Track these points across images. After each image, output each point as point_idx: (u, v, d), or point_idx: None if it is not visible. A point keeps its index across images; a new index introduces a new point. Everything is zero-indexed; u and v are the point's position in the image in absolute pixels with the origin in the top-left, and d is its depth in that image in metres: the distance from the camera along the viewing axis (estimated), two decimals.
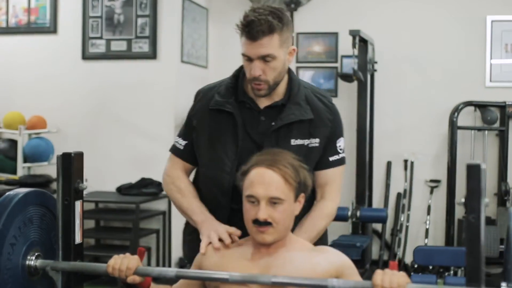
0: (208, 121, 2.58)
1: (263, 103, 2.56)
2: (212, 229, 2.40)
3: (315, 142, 2.55)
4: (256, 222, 2.19)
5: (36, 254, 2.31)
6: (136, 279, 2.22)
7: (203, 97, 2.64)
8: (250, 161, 2.28)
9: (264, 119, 2.54)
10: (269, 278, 2.12)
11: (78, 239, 2.36)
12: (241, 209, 2.29)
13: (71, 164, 2.33)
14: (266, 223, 2.18)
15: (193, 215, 2.54)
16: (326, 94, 2.68)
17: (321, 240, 2.66)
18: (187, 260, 2.72)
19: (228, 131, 2.54)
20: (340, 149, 2.63)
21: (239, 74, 2.62)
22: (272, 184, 2.19)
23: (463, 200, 2.08)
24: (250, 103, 2.56)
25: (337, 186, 2.64)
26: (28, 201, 2.30)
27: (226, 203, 2.53)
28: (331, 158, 2.61)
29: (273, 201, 2.19)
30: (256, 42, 2.40)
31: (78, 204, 2.36)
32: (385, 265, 6.58)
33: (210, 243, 2.36)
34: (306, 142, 2.54)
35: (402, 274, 2.04)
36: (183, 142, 2.66)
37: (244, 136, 2.53)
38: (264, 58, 2.42)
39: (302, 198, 2.29)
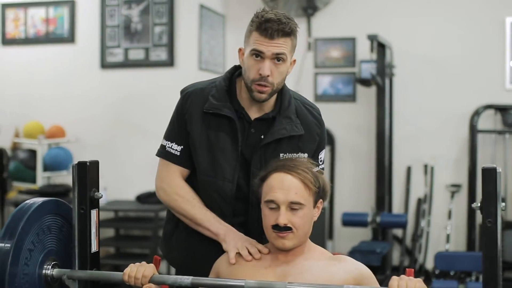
0: (204, 125, 2.47)
1: (253, 114, 2.48)
2: (240, 241, 2.35)
3: (302, 156, 2.47)
4: (276, 227, 2.18)
5: (53, 263, 2.31)
6: (152, 287, 2.21)
7: (195, 98, 2.50)
8: (268, 167, 2.27)
9: (254, 132, 2.47)
10: (284, 285, 2.10)
11: (94, 247, 2.36)
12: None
13: (87, 173, 2.32)
14: (286, 228, 2.17)
15: (211, 227, 2.43)
16: (315, 106, 2.62)
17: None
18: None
19: (228, 137, 2.45)
20: (321, 161, 2.57)
21: (232, 77, 2.54)
22: (292, 189, 2.18)
23: (477, 204, 2.04)
24: (242, 113, 2.48)
25: None
26: (46, 210, 2.30)
27: (229, 210, 2.47)
28: None
29: (293, 207, 2.17)
30: (273, 41, 2.34)
31: (94, 212, 2.35)
32: (406, 271, 6.54)
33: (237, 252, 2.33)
34: (294, 156, 2.46)
35: (418, 280, 2.02)
36: (178, 147, 2.51)
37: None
38: (276, 58, 2.36)
39: (320, 204, 2.28)
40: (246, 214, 2.46)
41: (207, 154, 2.46)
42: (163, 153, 2.55)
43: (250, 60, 2.39)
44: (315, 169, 2.33)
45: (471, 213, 6.64)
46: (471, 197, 6.63)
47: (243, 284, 2.14)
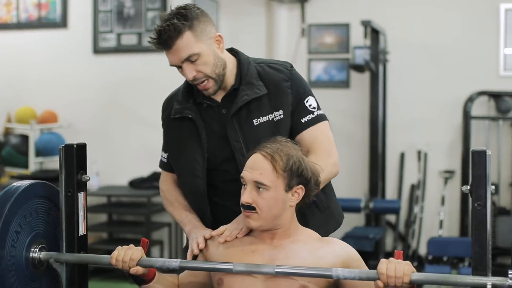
0: (173, 131, 2.56)
1: (219, 95, 2.50)
2: (194, 234, 2.42)
3: (279, 114, 2.47)
4: (243, 206, 2.19)
5: (40, 246, 2.30)
6: (140, 270, 2.20)
7: (167, 107, 2.61)
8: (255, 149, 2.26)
9: (225, 111, 2.49)
10: (273, 268, 2.10)
11: (82, 230, 2.35)
12: (225, 205, 2.43)
13: (74, 156, 2.31)
14: (250, 207, 2.17)
15: (184, 226, 2.53)
16: (283, 62, 2.59)
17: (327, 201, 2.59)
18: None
19: (193, 136, 2.49)
20: (313, 108, 2.52)
21: None
22: (259, 169, 2.16)
23: (467, 187, 2.03)
24: (207, 102, 2.51)
25: (325, 143, 2.53)
26: (34, 192, 2.29)
27: (203, 205, 2.51)
28: (303, 120, 2.50)
29: (258, 186, 2.17)
30: (172, 49, 2.36)
31: (81, 195, 2.34)
32: (395, 253, 6.54)
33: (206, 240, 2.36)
34: (270, 117, 2.46)
35: (407, 262, 2.01)
36: (165, 155, 2.64)
37: (210, 136, 2.49)
38: (189, 59, 2.37)
39: (300, 190, 2.22)
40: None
41: (178, 156, 2.55)
42: (159, 162, 2.70)
43: (179, 72, 2.44)
44: (306, 118, 2.46)
45: (464, 199, 6.65)
46: (465, 183, 6.56)
47: (231, 267, 2.13)
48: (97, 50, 6.55)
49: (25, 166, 6.41)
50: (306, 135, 2.50)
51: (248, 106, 2.46)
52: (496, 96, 6.66)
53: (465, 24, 6.81)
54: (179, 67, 2.41)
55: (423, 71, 6.90)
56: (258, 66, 2.54)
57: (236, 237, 2.29)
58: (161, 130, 2.66)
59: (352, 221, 6.54)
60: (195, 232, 2.43)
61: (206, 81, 2.41)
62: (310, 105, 2.52)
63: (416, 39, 6.91)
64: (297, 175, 2.19)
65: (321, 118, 2.54)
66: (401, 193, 6.94)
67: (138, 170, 6.33)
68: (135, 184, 6.26)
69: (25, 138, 6.48)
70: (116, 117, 6.55)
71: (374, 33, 6.41)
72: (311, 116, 2.51)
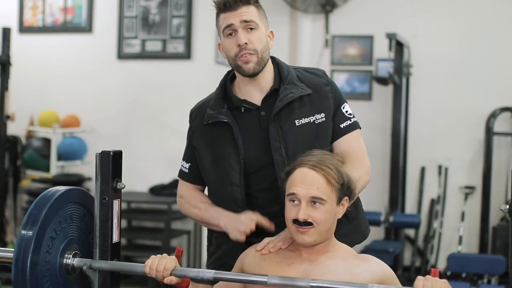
0: (206, 138, 2.52)
1: (257, 98, 2.48)
2: (237, 223, 2.42)
3: (320, 117, 2.46)
4: (296, 221, 2.16)
5: (73, 252, 2.30)
6: (174, 279, 2.19)
7: (197, 115, 2.58)
8: (294, 162, 2.25)
9: (264, 113, 2.46)
10: (308, 282, 2.07)
11: (115, 238, 2.35)
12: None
13: (110, 163, 2.31)
14: (307, 223, 2.15)
15: (217, 222, 2.49)
16: (319, 68, 2.62)
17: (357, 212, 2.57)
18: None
19: (228, 142, 2.46)
20: (349, 114, 2.53)
21: (226, 83, 2.56)
22: (314, 184, 2.16)
23: (506, 207, 2.00)
24: (245, 105, 2.48)
25: (359, 152, 2.52)
26: (69, 198, 2.29)
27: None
28: (342, 125, 2.50)
29: (314, 201, 2.16)
30: (237, 11, 2.39)
31: (116, 203, 2.34)
32: (417, 271, 6.54)
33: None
34: (311, 119, 2.45)
35: (444, 281, 1.99)
36: (187, 165, 2.60)
37: (247, 141, 2.46)
38: (248, 26, 2.39)
39: (345, 201, 2.25)
40: (280, 203, 2.38)
41: (212, 164, 2.50)
42: (179, 172, 2.66)
43: (226, 41, 2.44)
44: (344, 123, 2.45)
45: (484, 215, 6.61)
46: (485, 200, 6.59)
47: (265, 279, 2.12)
48: (122, 55, 6.56)
49: (47, 169, 6.43)
50: (342, 142, 2.51)
51: (290, 106, 2.44)
52: None
53: (489, 38, 6.77)
54: (231, 32, 2.41)
55: (446, 85, 6.88)
56: (295, 71, 2.54)
57: (280, 248, 2.29)
58: (184, 137, 2.64)
59: (371, 234, 6.42)
60: (239, 217, 2.42)
61: (252, 53, 2.40)
62: (346, 111, 2.54)
63: (440, 53, 6.89)
64: (347, 186, 2.20)
65: (357, 125, 2.55)
66: (421, 207, 6.91)
67: (158, 177, 6.33)
68: (156, 190, 6.26)
69: (47, 142, 6.50)
70: (138, 123, 6.56)
71: (398, 46, 6.40)
72: (348, 122, 2.52)
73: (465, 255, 6.39)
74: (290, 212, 2.18)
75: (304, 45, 7.16)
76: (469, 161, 6.85)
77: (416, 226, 6.35)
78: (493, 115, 6.60)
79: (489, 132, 6.59)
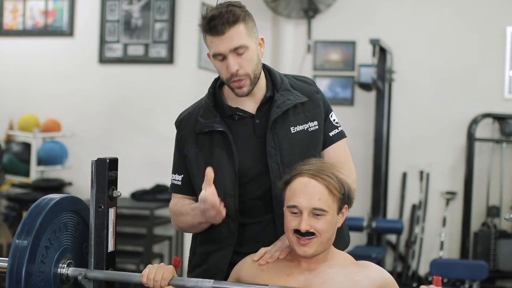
0: (198, 147, 2.43)
1: (251, 106, 2.44)
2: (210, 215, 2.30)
3: (314, 125, 2.44)
4: (298, 232, 2.12)
5: (68, 261, 2.25)
6: None
7: (187, 123, 2.48)
8: (293, 170, 2.20)
9: (259, 121, 2.42)
10: None
11: (111, 247, 2.31)
12: (252, 223, 2.37)
13: (106, 170, 2.27)
14: (309, 234, 2.11)
15: (197, 219, 2.38)
16: (306, 76, 2.60)
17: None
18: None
19: (222, 151, 2.39)
20: (336, 123, 2.52)
21: (215, 90, 2.49)
22: (316, 195, 2.12)
23: (510, 216, 1.99)
24: (239, 113, 2.43)
25: (347, 161, 2.50)
26: (63, 206, 2.24)
27: (235, 227, 2.41)
28: (331, 134, 2.49)
29: (316, 213, 2.12)
30: (224, 36, 2.28)
31: (112, 211, 2.31)
32: (399, 277, 6.54)
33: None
34: (305, 126, 2.42)
35: None
36: (179, 177, 2.49)
37: (242, 149, 2.40)
38: (237, 51, 2.30)
39: (345, 210, 2.23)
40: (272, 211, 2.38)
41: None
42: (170, 187, 2.56)
43: (216, 63, 2.36)
44: (333, 132, 2.41)
45: (465, 221, 6.64)
46: (467, 205, 6.62)
47: None
48: (103, 60, 6.50)
49: (26, 174, 6.34)
50: (331, 150, 2.49)
51: (285, 113, 2.40)
52: (500, 119, 6.67)
53: (471, 46, 6.82)
54: (221, 59, 2.33)
55: (428, 91, 6.91)
56: (287, 78, 2.51)
57: (278, 258, 2.25)
58: (166, 142, 2.57)
59: (353, 240, 6.45)
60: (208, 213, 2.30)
61: (244, 79, 2.34)
62: (334, 120, 2.53)
63: (422, 59, 6.92)
64: (347, 195, 2.18)
65: (343, 134, 2.54)
66: (403, 213, 6.92)
67: (141, 182, 6.27)
68: (137, 196, 6.20)
69: (27, 146, 6.41)
70: (119, 128, 6.50)
71: (381, 52, 6.41)
72: (336, 130, 2.51)
73: (448, 260, 6.41)
74: (291, 222, 2.14)
75: (286, 50, 7.14)
76: (450, 166, 6.88)
77: (399, 231, 6.36)
78: (474, 121, 6.63)
79: (471, 138, 6.63)
